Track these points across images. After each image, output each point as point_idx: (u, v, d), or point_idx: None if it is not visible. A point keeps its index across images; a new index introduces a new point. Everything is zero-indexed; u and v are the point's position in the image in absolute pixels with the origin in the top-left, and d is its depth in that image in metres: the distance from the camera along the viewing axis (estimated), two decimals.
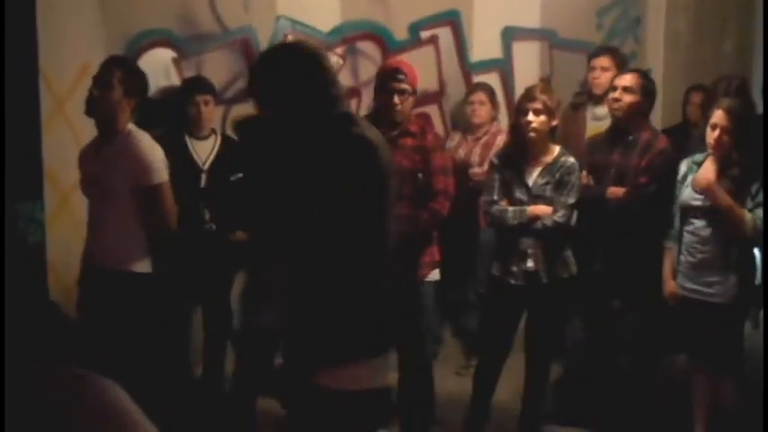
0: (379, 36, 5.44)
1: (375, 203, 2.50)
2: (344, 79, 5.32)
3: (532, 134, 4.03)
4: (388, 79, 4.00)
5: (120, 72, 3.71)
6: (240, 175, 4.28)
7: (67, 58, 4.30)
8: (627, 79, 4.39)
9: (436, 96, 5.67)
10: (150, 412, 1.07)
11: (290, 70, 2.50)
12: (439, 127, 5.59)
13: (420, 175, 4.01)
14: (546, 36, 6.10)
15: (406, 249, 4.01)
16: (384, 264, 2.55)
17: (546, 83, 5.41)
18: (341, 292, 2.45)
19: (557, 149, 4.14)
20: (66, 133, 4.29)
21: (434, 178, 4.02)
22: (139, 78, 3.82)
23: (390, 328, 2.56)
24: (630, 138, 4.35)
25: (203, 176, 4.44)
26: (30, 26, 4.30)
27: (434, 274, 4.16)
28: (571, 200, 4.04)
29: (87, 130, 3.76)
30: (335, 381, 2.41)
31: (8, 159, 4.07)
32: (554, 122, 4.09)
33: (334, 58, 5.30)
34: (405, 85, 3.98)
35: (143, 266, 3.68)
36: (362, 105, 5.36)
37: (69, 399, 0.94)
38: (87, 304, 3.77)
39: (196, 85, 4.54)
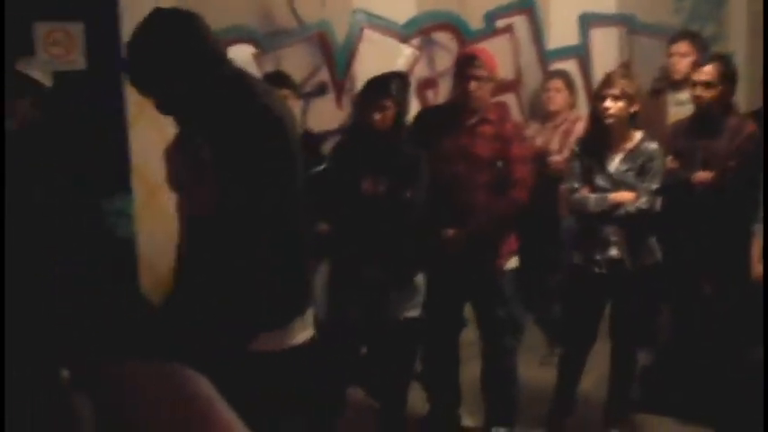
0: (454, 26, 5.43)
1: (280, 170, 2.50)
2: (421, 71, 5.34)
3: (610, 120, 3.98)
4: (464, 66, 3.98)
5: None
6: (321, 167, 4.33)
7: None
8: (705, 73, 4.30)
9: (513, 85, 5.64)
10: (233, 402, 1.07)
11: (163, 41, 2.46)
12: (516, 116, 5.55)
13: (499, 163, 3.98)
14: (624, 21, 6.01)
15: (483, 238, 4.00)
16: (294, 229, 2.62)
17: (625, 68, 5.33)
18: (258, 264, 2.53)
19: (638, 135, 4.07)
20: (151, 129, 4.38)
21: (514, 167, 3.98)
22: None
23: (306, 291, 2.72)
24: (717, 122, 4.26)
25: None
26: (113, 25, 4.42)
27: (512, 262, 4.14)
28: (654, 186, 3.97)
29: (171, 127, 3.84)
30: (262, 344, 2.58)
31: (97, 156, 4.19)
32: (633, 108, 4.02)
33: (409, 50, 5.32)
34: (481, 72, 3.94)
35: None
36: (439, 96, 5.36)
37: (154, 391, 0.95)
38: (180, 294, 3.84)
39: (276, 80, 4.59)
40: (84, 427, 0.85)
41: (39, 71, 4.04)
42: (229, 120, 2.46)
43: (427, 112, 4.58)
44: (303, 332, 2.71)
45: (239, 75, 2.61)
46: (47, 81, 4.07)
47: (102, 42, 4.42)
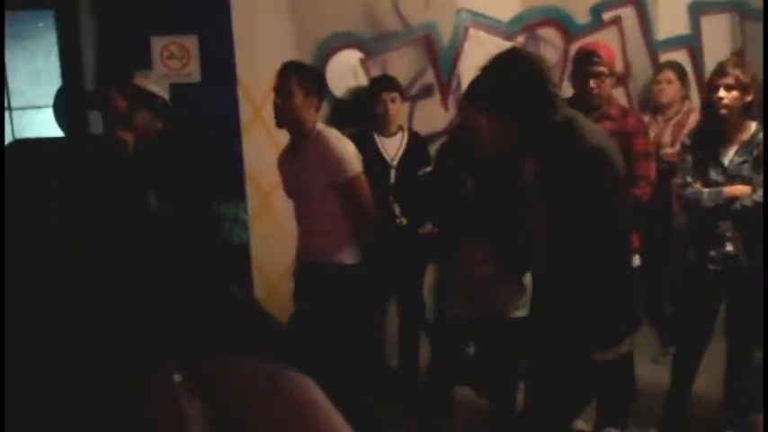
0: (559, 22, 5.38)
1: (608, 204, 2.81)
2: None
3: (724, 111, 3.87)
4: (582, 64, 3.94)
5: (296, 77, 3.78)
6: (428, 169, 4.38)
7: (262, 66, 4.52)
8: None
9: (622, 78, 5.53)
10: (345, 405, 1.08)
11: (520, 78, 2.79)
12: None
13: None
14: (736, 7, 5.81)
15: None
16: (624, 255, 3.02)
17: (739, 57, 5.17)
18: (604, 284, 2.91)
19: (753, 126, 3.95)
20: (264, 137, 4.52)
21: (636, 162, 3.91)
22: (316, 78, 3.93)
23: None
24: None
25: (392, 172, 4.57)
26: (227, 38, 4.57)
27: (634, 260, 4.07)
28: None
29: (283, 134, 3.95)
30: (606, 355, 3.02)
31: (212, 165, 4.35)
32: (749, 98, 3.90)
33: None
34: (600, 68, 3.90)
35: (350, 258, 3.80)
36: None
37: (261, 393, 0.96)
38: (301, 297, 3.96)
39: (383, 83, 4.67)
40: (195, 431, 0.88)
41: (156, 84, 4.21)
42: (564, 156, 2.83)
43: None
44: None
45: (572, 117, 2.95)
46: (164, 94, 4.24)
47: (216, 55, 4.58)
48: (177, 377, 0.96)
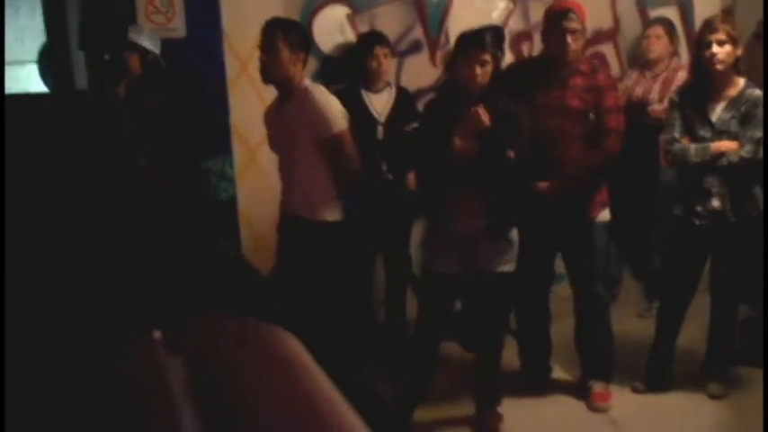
0: None
1: None
2: (515, 23, 5.28)
3: (719, 66, 3.86)
4: (559, 20, 3.93)
5: (281, 32, 3.75)
6: (415, 125, 4.35)
7: (249, 21, 4.47)
8: None
9: (611, 34, 5.51)
10: (329, 360, 1.08)
11: None
12: (614, 65, 5.43)
13: (591, 114, 3.95)
14: None
15: (575, 189, 3.98)
16: None
17: (726, 14, 5.14)
18: None
19: (741, 82, 3.95)
20: (250, 92, 4.49)
21: (607, 117, 3.94)
22: (301, 33, 3.90)
23: None
24: None
25: (380, 129, 4.55)
26: None
27: (605, 215, 4.10)
28: (758, 134, 3.85)
29: (270, 88, 3.93)
30: None
31: (198, 119, 4.32)
32: (738, 52, 3.90)
33: (503, 3, 5.25)
34: (576, 25, 3.91)
35: (334, 215, 3.82)
36: (534, 49, 5.29)
37: (241, 349, 0.96)
38: (284, 253, 3.97)
39: (375, 38, 4.63)
40: (174, 389, 0.88)
41: (148, 39, 4.18)
42: None
43: (519, 66, 4.55)
44: None
45: None
46: (155, 48, 4.22)
47: (201, 9, 4.52)
48: (157, 334, 0.96)
